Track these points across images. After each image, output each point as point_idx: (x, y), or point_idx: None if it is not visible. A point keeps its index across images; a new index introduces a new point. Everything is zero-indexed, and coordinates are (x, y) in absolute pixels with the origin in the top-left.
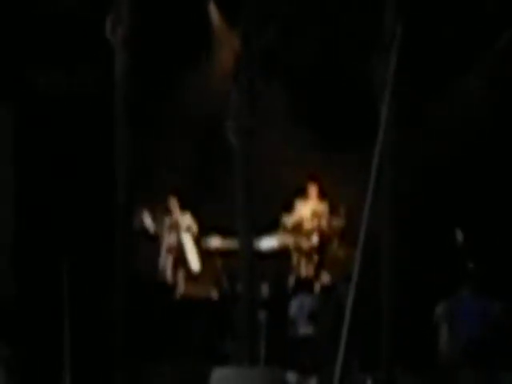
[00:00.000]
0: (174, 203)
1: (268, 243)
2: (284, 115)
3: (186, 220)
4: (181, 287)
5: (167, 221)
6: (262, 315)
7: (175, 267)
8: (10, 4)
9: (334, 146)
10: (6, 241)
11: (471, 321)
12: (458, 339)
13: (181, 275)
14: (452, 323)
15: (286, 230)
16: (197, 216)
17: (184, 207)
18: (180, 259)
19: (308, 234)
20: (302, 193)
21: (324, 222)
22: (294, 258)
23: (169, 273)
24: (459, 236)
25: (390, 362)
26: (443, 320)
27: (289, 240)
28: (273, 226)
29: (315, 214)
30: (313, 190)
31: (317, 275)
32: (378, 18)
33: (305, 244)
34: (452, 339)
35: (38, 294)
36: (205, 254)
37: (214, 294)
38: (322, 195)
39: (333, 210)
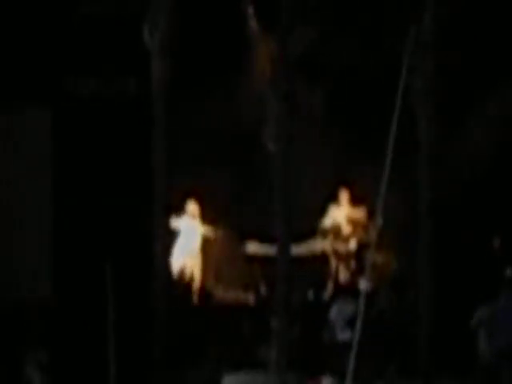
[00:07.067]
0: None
1: (306, 249)
2: (321, 119)
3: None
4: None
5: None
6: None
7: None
8: (49, 10)
9: (373, 150)
10: (47, 243)
11: (509, 326)
12: (497, 344)
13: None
14: (490, 328)
15: (323, 235)
16: (235, 221)
17: (222, 211)
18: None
19: (345, 240)
20: (334, 198)
21: (361, 228)
22: (332, 263)
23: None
24: (496, 242)
25: (429, 367)
26: (482, 326)
27: (327, 246)
28: (311, 232)
29: (351, 220)
30: (344, 196)
31: (355, 281)
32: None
33: (342, 249)
34: (490, 344)
35: (77, 297)
36: (243, 259)
37: (252, 300)
38: (354, 201)
39: (371, 216)
